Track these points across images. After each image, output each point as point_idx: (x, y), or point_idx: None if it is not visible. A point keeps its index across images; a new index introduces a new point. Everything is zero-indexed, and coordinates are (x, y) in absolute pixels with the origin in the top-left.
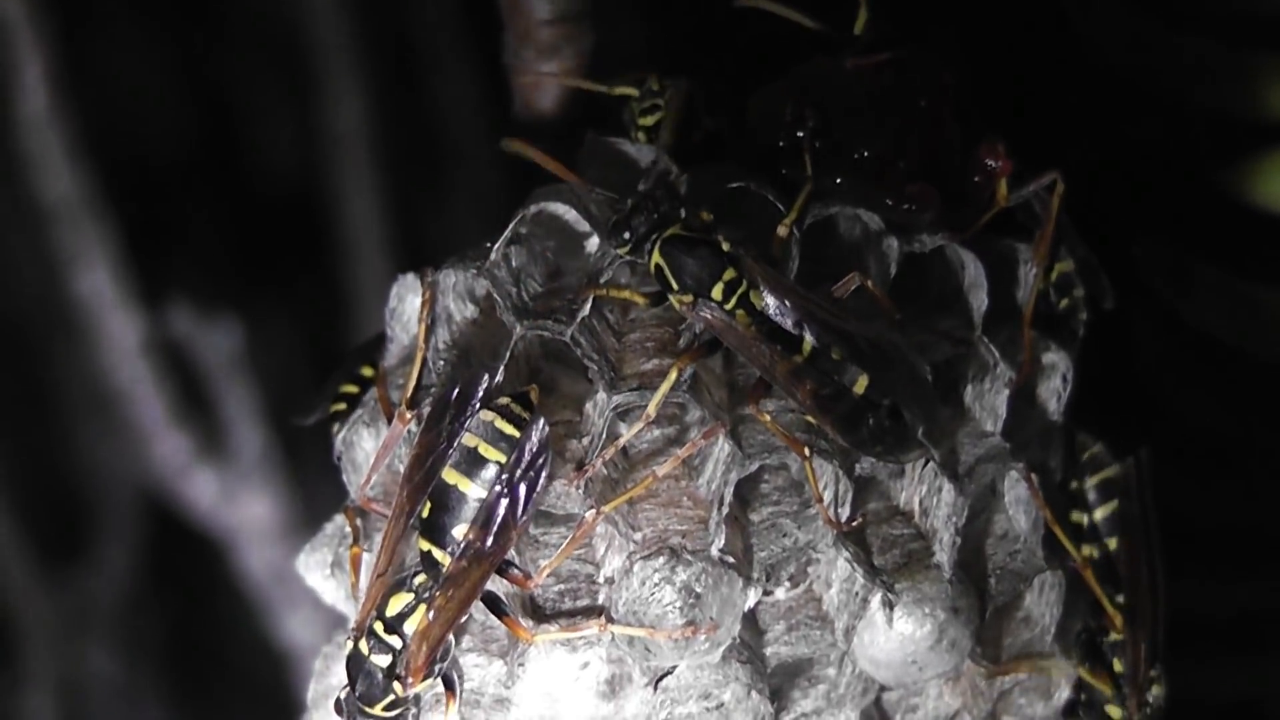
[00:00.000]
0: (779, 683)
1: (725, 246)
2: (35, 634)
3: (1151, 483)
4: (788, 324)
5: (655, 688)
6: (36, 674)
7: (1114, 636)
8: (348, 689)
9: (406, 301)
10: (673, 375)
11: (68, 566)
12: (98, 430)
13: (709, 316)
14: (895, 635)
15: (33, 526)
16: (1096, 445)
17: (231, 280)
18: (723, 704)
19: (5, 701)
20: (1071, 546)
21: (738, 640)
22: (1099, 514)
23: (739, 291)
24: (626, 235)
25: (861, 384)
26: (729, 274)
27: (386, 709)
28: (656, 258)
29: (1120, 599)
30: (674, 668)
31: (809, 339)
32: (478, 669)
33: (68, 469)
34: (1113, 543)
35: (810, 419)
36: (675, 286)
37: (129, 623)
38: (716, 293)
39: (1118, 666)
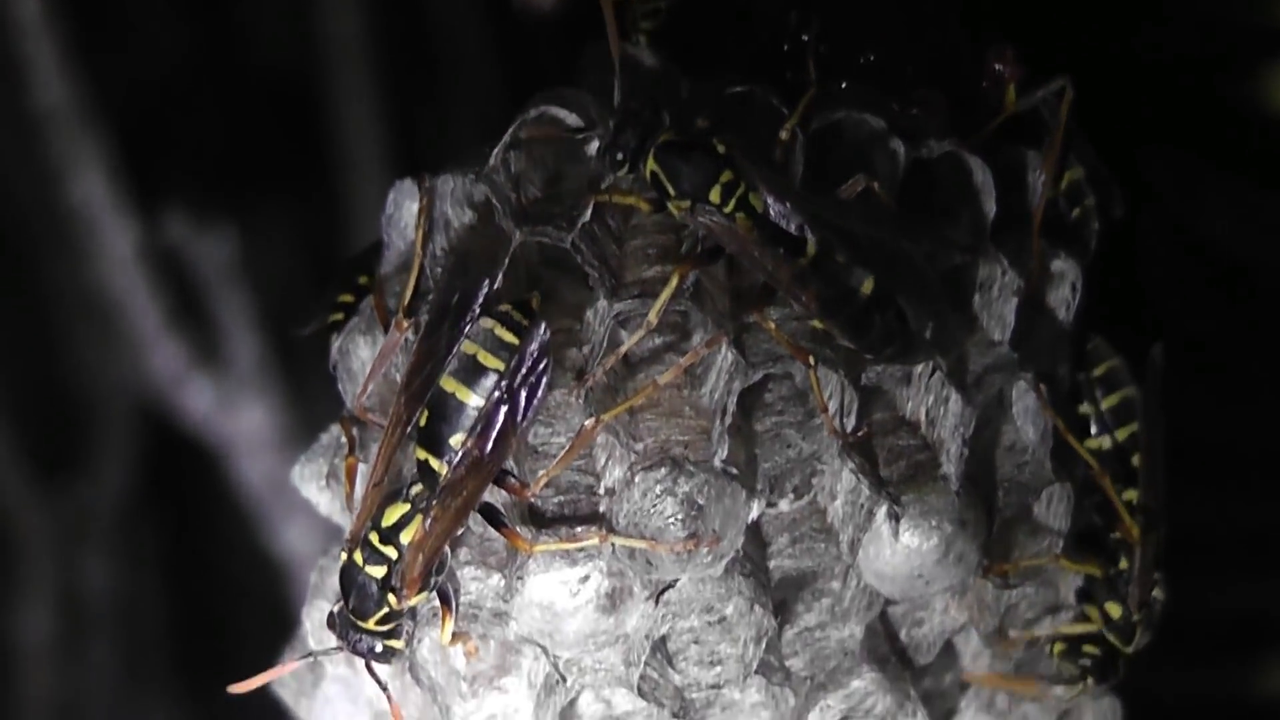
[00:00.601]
0: (782, 596)
1: (720, 149)
2: (32, 544)
3: (1163, 381)
4: (789, 226)
5: (656, 601)
6: (34, 584)
7: (1119, 534)
8: (340, 603)
9: (404, 208)
10: (674, 282)
11: (64, 476)
12: (93, 339)
13: (708, 221)
14: (901, 548)
15: (28, 436)
16: (1096, 339)
17: (227, 188)
18: (725, 618)
19: (3, 612)
20: (1088, 455)
21: (740, 553)
22: (1106, 404)
23: (737, 194)
24: (620, 156)
25: (868, 285)
26: (725, 176)
27: (380, 623)
28: (651, 164)
29: (1127, 495)
30: (675, 581)
31: (812, 241)
32: (475, 582)
33: (63, 379)
34: (1121, 434)
35: (817, 325)
36: (672, 192)
37: (126, 533)
38: (714, 196)
39: (1123, 564)
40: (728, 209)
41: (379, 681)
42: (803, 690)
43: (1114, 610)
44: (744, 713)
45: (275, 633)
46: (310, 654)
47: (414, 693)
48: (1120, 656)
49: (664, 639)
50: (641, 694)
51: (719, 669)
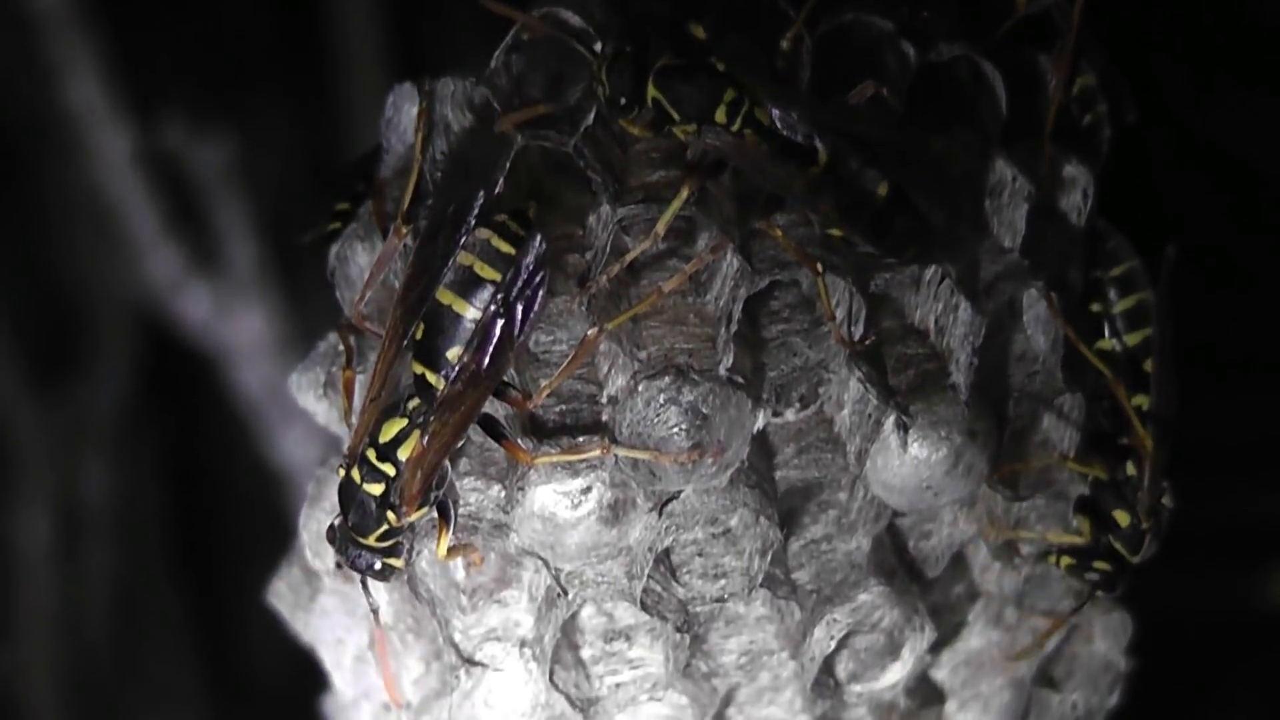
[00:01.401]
0: (788, 508)
1: (720, 67)
2: (29, 450)
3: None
4: (799, 137)
5: (660, 513)
6: (31, 490)
7: (1128, 441)
8: (340, 517)
9: (403, 111)
10: (683, 194)
11: (61, 382)
12: (90, 245)
13: (717, 143)
14: (909, 459)
15: (25, 342)
16: (1117, 237)
17: (225, 92)
18: (729, 530)
19: (1, 519)
20: (1101, 364)
21: (745, 464)
22: (1121, 307)
23: (743, 111)
24: (623, 100)
25: (883, 188)
26: (729, 95)
27: (379, 539)
28: (652, 92)
29: (1136, 401)
30: (679, 493)
31: (823, 150)
32: (475, 493)
33: (59, 284)
34: (1134, 338)
35: (835, 233)
36: (677, 118)
37: (124, 439)
38: (720, 116)
39: (1130, 471)
40: (735, 127)
41: (371, 600)
42: (808, 604)
43: (1122, 518)
44: (749, 626)
45: (274, 540)
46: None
47: (412, 606)
48: (1127, 567)
49: (667, 551)
50: (644, 607)
51: (723, 582)
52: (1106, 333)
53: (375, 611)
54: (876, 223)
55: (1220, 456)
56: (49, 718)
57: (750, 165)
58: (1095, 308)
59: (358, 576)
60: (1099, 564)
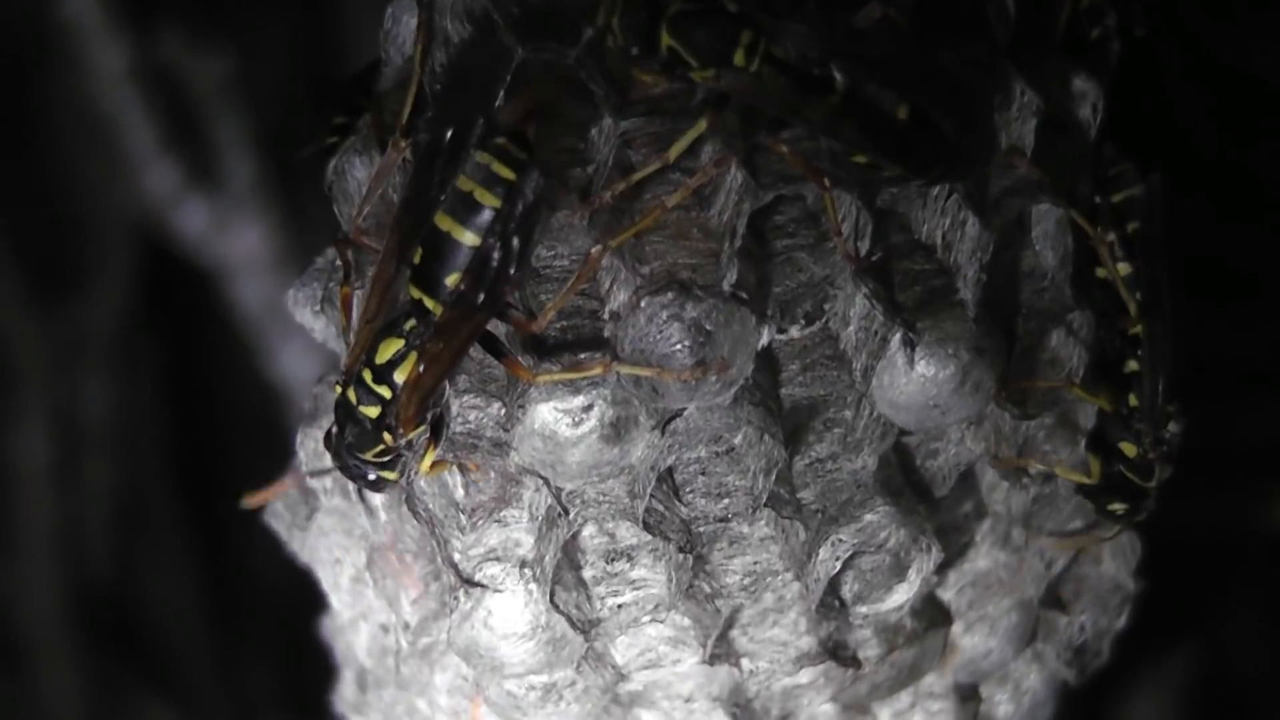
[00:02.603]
0: (793, 426)
1: (732, 7)
2: (28, 366)
3: (1165, 209)
4: (814, 69)
5: (663, 431)
6: (30, 406)
7: (1131, 367)
8: (336, 428)
9: (402, 23)
10: (701, 125)
11: (59, 298)
12: (87, 160)
13: (737, 85)
14: (916, 377)
15: (22, 257)
16: (1125, 164)
17: (223, 4)
18: (733, 448)
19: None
20: (1113, 268)
21: (750, 381)
22: (1126, 232)
23: (760, 51)
24: (636, 51)
25: (903, 110)
26: (746, 37)
27: (376, 457)
28: (666, 40)
29: (1136, 329)
30: (682, 410)
31: (840, 78)
32: (474, 411)
33: (57, 199)
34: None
35: (860, 159)
36: (695, 64)
37: (122, 355)
38: (739, 59)
39: (1133, 401)
40: (754, 68)
41: (368, 507)
42: (813, 523)
43: (1129, 449)
44: (752, 546)
45: (272, 456)
46: (319, 471)
47: (411, 525)
48: (1146, 493)
49: (670, 470)
50: (647, 527)
51: (727, 501)
52: (1111, 258)
53: (373, 513)
54: (900, 145)
55: (1234, 378)
56: (49, 634)
57: (770, 103)
58: (1106, 235)
59: (355, 496)
60: (1114, 503)
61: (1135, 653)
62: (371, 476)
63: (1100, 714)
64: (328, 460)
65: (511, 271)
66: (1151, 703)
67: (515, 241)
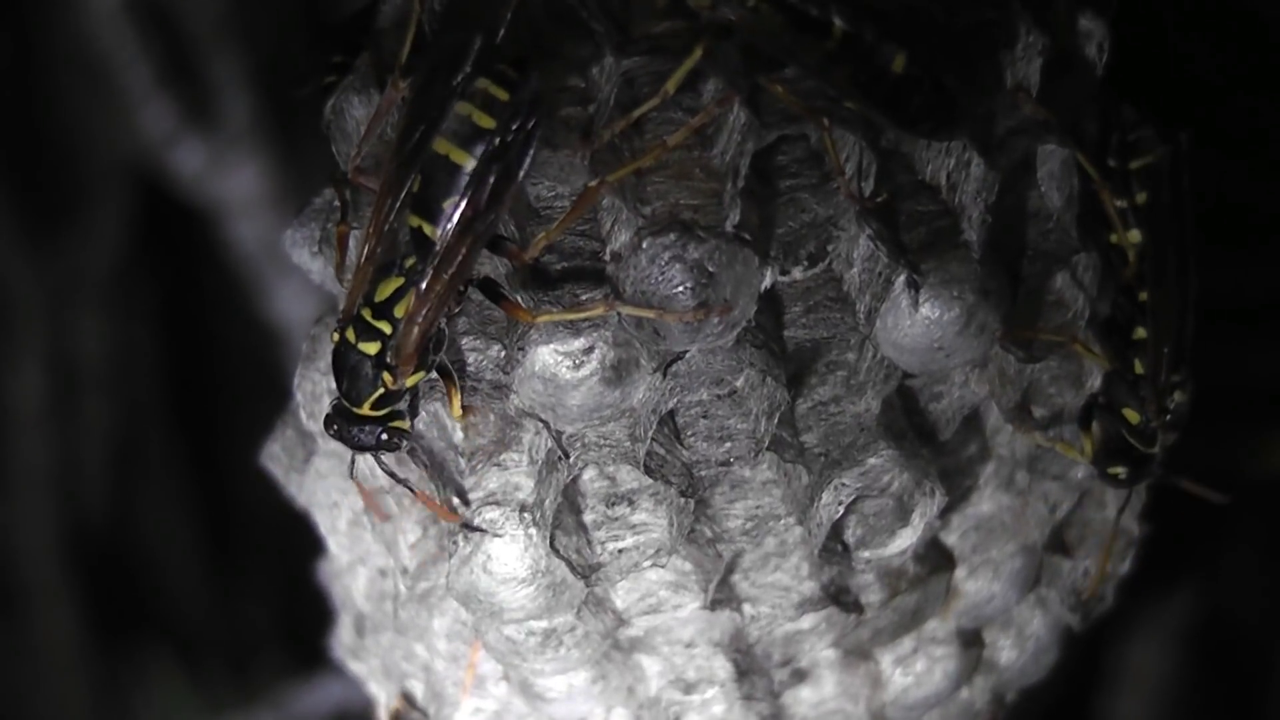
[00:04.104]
0: (795, 369)
1: None
2: (24, 305)
3: (1189, 171)
4: (813, 10)
5: (664, 374)
6: (26, 345)
7: (1140, 334)
8: (335, 400)
9: None
10: (697, 52)
11: (55, 237)
12: (83, 98)
13: (732, 16)
14: (920, 319)
15: (18, 196)
16: (1145, 128)
17: None
18: (735, 390)
19: None
20: (1114, 210)
21: (752, 323)
22: (1139, 199)
23: None
24: None
25: (900, 61)
26: None
27: (375, 405)
28: None
29: (1142, 297)
30: (684, 353)
31: (838, 23)
32: (474, 353)
33: (53, 138)
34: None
35: (851, 106)
36: None
37: (119, 294)
38: None
39: (1139, 368)
40: (751, 2)
41: (389, 472)
42: (816, 467)
43: (1132, 416)
44: (754, 490)
45: (269, 396)
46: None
47: (410, 469)
48: (1148, 459)
49: (672, 413)
50: (648, 470)
51: (729, 444)
52: (1124, 225)
53: (396, 479)
54: (893, 96)
55: (1255, 320)
56: (45, 572)
57: (765, 39)
58: (1120, 203)
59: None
60: (1115, 467)
61: (1134, 596)
62: (383, 437)
63: (1099, 658)
64: (326, 403)
65: (512, 182)
66: (1151, 646)
67: (513, 154)
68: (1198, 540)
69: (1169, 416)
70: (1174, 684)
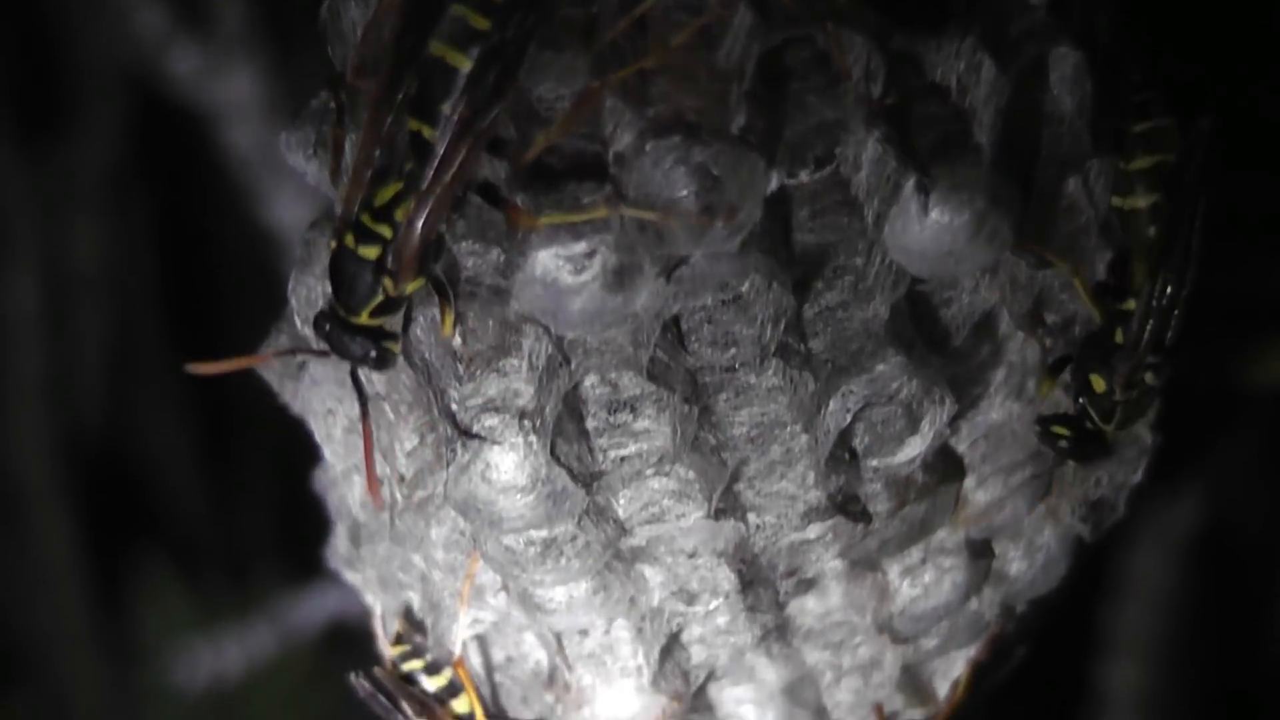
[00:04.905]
0: (802, 273)
1: None
2: (17, 213)
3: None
4: None
5: (668, 278)
6: (19, 254)
7: (1129, 304)
8: (329, 304)
9: None
10: None
11: (48, 141)
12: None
13: None
14: (930, 224)
15: (11, 103)
16: (1151, 91)
17: None
18: (740, 296)
19: None
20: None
21: (758, 227)
22: (1137, 165)
23: None
24: None
25: None
26: None
27: (374, 314)
28: None
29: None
30: (688, 257)
31: None
32: (473, 257)
33: (45, 41)
34: (1145, 199)
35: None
36: None
37: (113, 200)
38: None
39: (1118, 338)
40: None
41: (363, 393)
42: (823, 374)
43: (1098, 383)
44: (759, 397)
45: (265, 302)
46: (292, 351)
47: (406, 375)
48: (1097, 437)
49: (675, 319)
50: (650, 377)
51: (734, 350)
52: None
53: (365, 404)
54: None
55: (1232, 228)
56: (41, 485)
57: None
58: (1122, 164)
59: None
60: (1059, 428)
61: (1136, 506)
62: (373, 353)
63: (1101, 569)
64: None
65: (510, 82)
66: (1153, 554)
67: (511, 50)
68: (1195, 448)
69: (1134, 392)
70: (1176, 593)
